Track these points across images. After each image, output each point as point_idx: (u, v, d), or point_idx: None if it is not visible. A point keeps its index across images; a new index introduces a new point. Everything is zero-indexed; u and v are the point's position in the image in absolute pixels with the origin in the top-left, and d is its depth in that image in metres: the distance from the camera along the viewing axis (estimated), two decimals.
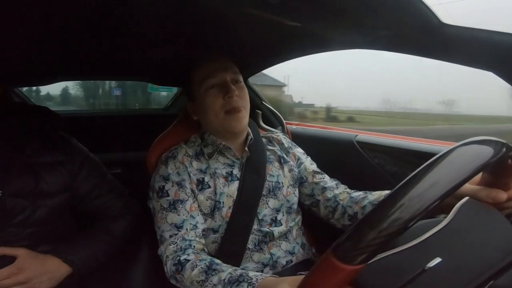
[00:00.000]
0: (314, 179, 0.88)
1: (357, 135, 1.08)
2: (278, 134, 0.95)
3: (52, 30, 0.66)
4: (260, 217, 0.78)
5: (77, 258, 0.75)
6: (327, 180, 0.88)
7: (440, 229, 0.44)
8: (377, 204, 0.35)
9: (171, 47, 0.86)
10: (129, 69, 1.16)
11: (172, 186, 0.75)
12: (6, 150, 0.72)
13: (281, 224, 0.80)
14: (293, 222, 0.83)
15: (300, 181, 0.88)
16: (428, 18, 0.50)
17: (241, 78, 0.82)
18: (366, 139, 1.05)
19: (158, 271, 0.71)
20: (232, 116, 0.76)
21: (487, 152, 0.37)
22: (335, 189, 0.86)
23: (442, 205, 0.43)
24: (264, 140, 0.90)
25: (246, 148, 0.80)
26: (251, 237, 0.77)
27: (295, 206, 0.86)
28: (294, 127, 1.33)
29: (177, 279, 0.65)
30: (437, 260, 0.36)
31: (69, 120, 0.84)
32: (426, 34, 0.53)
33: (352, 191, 0.85)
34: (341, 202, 0.83)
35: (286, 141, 0.93)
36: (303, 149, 0.95)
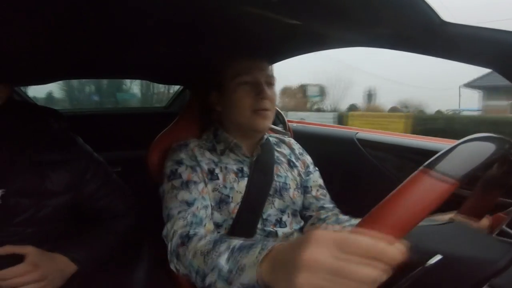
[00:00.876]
0: (317, 194, 0.87)
1: (357, 132, 1.09)
2: (290, 139, 0.96)
3: (53, 28, 0.66)
4: (264, 217, 0.78)
5: (82, 256, 0.75)
6: (327, 200, 0.88)
7: (439, 225, 0.45)
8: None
9: (173, 46, 0.86)
10: (131, 68, 1.16)
11: (186, 169, 0.74)
12: (10, 149, 0.72)
13: (286, 226, 0.80)
14: (298, 226, 0.83)
15: (304, 190, 0.88)
16: (429, 16, 0.50)
17: (274, 81, 0.81)
18: (366, 136, 1.06)
19: (159, 271, 0.71)
20: (259, 115, 0.75)
21: (489, 148, 0.37)
22: (329, 211, 0.86)
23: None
24: (274, 140, 0.90)
25: (258, 146, 0.80)
26: (254, 237, 0.76)
27: (300, 209, 0.86)
28: (295, 125, 1.34)
29: (179, 253, 0.59)
30: (438, 257, 0.36)
31: (70, 119, 0.84)
32: (427, 32, 0.53)
33: (341, 214, 0.84)
34: (327, 221, 0.83)
35: (297, 146, 0.93)
36: (304, 146, 0.95)
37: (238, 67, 0.77)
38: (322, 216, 0.84)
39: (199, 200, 0.70)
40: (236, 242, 0.50)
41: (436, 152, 0.36)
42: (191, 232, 0.62)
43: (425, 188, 0.33)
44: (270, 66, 0.81)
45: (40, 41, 0.73)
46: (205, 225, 0.67)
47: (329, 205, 0.87)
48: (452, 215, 0.57)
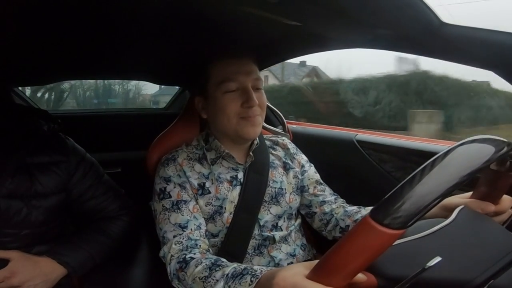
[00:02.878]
0: (315, 190, 0.87)
1: (357, 134, 1.08)
2: (284, 138, 0.94)
3: (52, 29, 0.66)
4: (261, 223, 0.77)
5: (72, 259, 0.74)
6: (327, 194, 0.87)
7: (442, 227, 0.45)
8: (413, 173, 0.35)
9: (171, 47, 0.86)
10: (130, 69, 1.16)
11: (174, 187, 0.74)
12: (0, 151, 0.71)
13: (282, 230, 0.80)
14: (293, 226, 0.83)
15: (301, 190, 0.87)
16: (429, 18, 0.50)
17: (262, 84, 0.77)
18: (366, 138, 1.06)
19: (158, 272, 0.71)
20: (247, 123, 0.73)
21: (488, 150, 0.37)
22: (333, 203, 0.85)
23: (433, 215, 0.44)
24: (268, 143, 0.89)
25: (251, 153, 0.79)
26: (252, 241, 0.76)
27: (296, 212, 0.86)
28: (295, 126, 1.34)
29: (180, 277, 0.63)
30: (437, 259, 0.36)
31: (70, 119, 0.84)
32: (427, 34, 0.53)
33: (348, 205, 0.85)
34: (335, 215, 0.83)
35: (291, 146, 0.92)
36: (303, 148, 0.95)
37: (222, 72, 0.73)
38: (327, 210, 0.84)
39: (192, 221, 0.71)
40: (229, 269, 0.56)
41: (434, 153, 0.36)
42: (188, 256, 0.64)
43: (369, 239, 0.34)
44: (257, 69, 0.77)
45: (39, 42, 0.73)
46: (200, 246, 0.67)
47: (330, 198, 0.86)
48: (468, 197, 0.54)
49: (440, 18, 0.50)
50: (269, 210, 0.79)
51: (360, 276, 0.39)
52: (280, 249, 0.79)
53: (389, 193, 0.35)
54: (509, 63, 0.48)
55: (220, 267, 0.58)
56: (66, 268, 0.74)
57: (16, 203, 0.71)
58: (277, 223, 0.80)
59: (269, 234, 0.77)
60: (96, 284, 0.81)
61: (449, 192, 0.34)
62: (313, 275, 0.39)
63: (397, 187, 0.35)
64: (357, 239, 0.34)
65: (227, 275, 0.55)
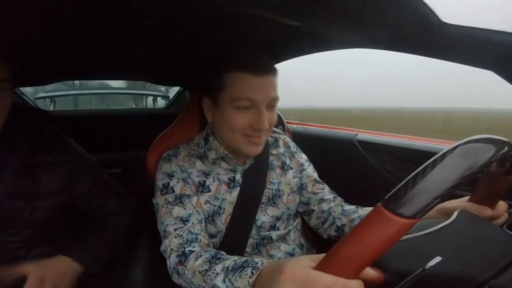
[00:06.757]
0: (314, 189, 0.87)
1: (357, 134, 1.09)
2: (285, 136, 0.94)
3: (52, 29, 0.66)
4: (258, 224, 0.78)
5: (89, 256, 0.76)
6: (326, 192, 0.87)
7: (443, 226, 0.45)
8: (423, 166, 0.35)
9: (172, 47, 0.86)
10: (131, 69, 1.17)
11: (178, 182, 0.74)
12: (3, 152, 0.72)
13: (279, 230, 0.81)
14: (291, 226, 0.83)
15: (300, 188, 0.87)
16: (429, 17, 0.50)
17: (276, 101, 0.71)
18: (366, 138, 1.06)
19: (158, 271, 0.71)
20: (252, 142, 0.69)
21: (488, 150, 0.37)
22: (331, 201, 0.85)
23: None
24: (270, 140, 0.88)
25: (252, 156, 0.78)
26: (250, 240, 0.76)
27: (294, 212, 0.86)
28: (295, 126, 1.34)
29: (179, 271, 0.62)
30: (438, 259, 0.36)
31: (70, 120, 0.84)
32: (427, 34, 0.53)
33: (346, 204, 0.85)
34: (333, 214, 0.83)
35: (293, 145, 0.92)
36: (303, 148, 0.95)
37: (240, 87, 0.66)
38: (325, 208, 0.84)
39: (194, 215, 0.70)
40: (229, 262, 0.55)
41: (434, 153, 0.36)
42: (187, 250, 0.63)
43: (381, 228, 0.33)
44: (276, 84, 0.70)
45: (40, 42, 0.73)
46: (200, 240, 0.67)
47: (328, 196, 0.86)
48: (465, 201, 0.55)
49: (440, 17, 0.50)
50: (265, 211, 0.79)
51: (369, 270, 0.39)
52: (279, 248, 0.79)
53: (401, 183, 0.35)
54: (509, 63, 0.48)
55: (221, 260, 0.57)
56: (82, 265, 0.74)
57: (19, 203, 0.71)
58: (275, 224, 0.80)
59: (266, 233, 0.78)
60: (96, 284, 0.81)
61: (462, 183, 0.34)
62: (321, 267, 0.38)
63: (409, 176, 0.35)
64: (370, 228, 0.34)
65: (227, 268, 0.54)
